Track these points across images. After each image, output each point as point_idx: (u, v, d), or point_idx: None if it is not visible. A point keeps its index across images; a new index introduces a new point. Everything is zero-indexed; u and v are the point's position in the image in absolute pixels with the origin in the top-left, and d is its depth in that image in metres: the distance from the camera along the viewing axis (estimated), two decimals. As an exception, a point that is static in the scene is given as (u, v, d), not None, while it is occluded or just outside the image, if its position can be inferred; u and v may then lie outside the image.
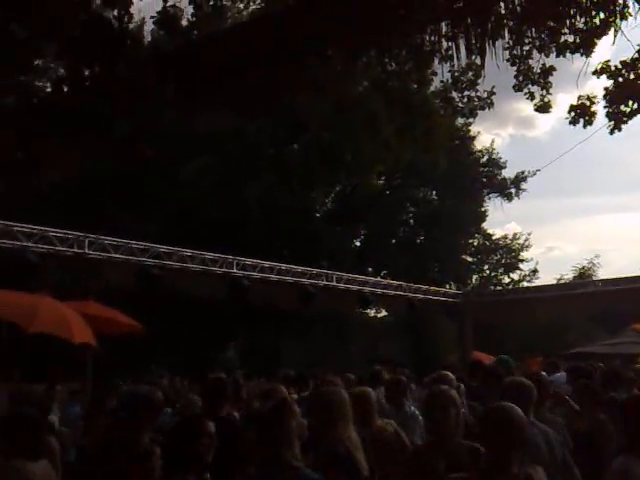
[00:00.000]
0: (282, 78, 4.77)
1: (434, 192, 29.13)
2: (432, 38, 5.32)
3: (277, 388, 5.55)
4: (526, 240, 30.93)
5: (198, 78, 4.17)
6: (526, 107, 62.97)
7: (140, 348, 19.88)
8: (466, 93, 8.11)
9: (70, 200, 18.58)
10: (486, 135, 78.10)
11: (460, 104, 8.20)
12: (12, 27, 2.44)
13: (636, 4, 5.20)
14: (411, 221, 30.18)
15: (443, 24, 4.77)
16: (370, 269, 27.81)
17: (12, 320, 10.19)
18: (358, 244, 28.50)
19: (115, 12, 2.32)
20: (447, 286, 24.94)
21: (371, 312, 26.95)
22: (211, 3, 5.73)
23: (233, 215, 12.07)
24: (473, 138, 28.62)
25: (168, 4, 2.77)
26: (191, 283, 12.20)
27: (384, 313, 27.87)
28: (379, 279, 18.11)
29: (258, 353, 19.88)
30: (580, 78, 6.61)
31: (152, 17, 3.22)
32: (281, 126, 7.72)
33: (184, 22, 6.00)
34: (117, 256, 10.85)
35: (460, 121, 22.84)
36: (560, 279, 29.52)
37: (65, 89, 2.42)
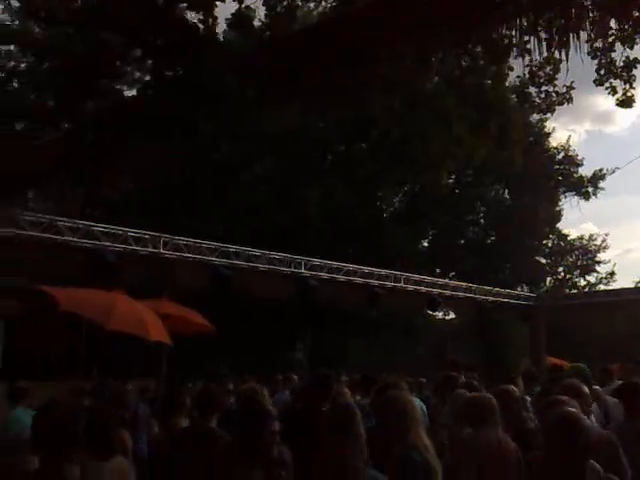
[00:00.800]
0: (354, 75, 4.71)
1: (506, 190, 28.33)
2: (510, 32, 5.14)
3: (342, 391, 5.51)
4: (603, 241, 29.70)
5: (274, 78, 4.18)
6: (604, 102, 60.22)
7: (209, 347, 20.33)
8: (544, 88, 7.79)
9: (143, 201, 19.18)
10: (562, 131, 75.29)
11: (537, 100, 7.90)
12: (102, 35, 2.50)
13: None
14: (482, 221, 29.49)
15: (524, 17, 4.59)
16: (438, 270, 27.36)
17: (91, 317, 10.60)
18: (426, 244, 28.10)
19: (200, 15, 2.32)
20: (519, 288, 24.19)
21: (439, 314, 26.48)
22: (284, 4, 5.75)
23: (298, 215, 12.11)
24: (548, 134, 27.70)
25: (242, 5, 2.76)
26: (259, 283, 12.32)
27: (452, 315, 27.33)
28: (448, 281, 17.75)
29: (325, 354, 19.87)
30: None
31: (226, 19, 3.22)
32: (349, 124, 7.67)
33: (256, 23, 6.05)
34: (189, 256, 11.08)
35: (535, 117, 22.17)
36: (639, 282, 28.17)
37: (149, 92, 2.45)
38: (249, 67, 3.63)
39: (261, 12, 6.73)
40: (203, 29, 2.20)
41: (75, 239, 9.43)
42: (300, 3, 6.27)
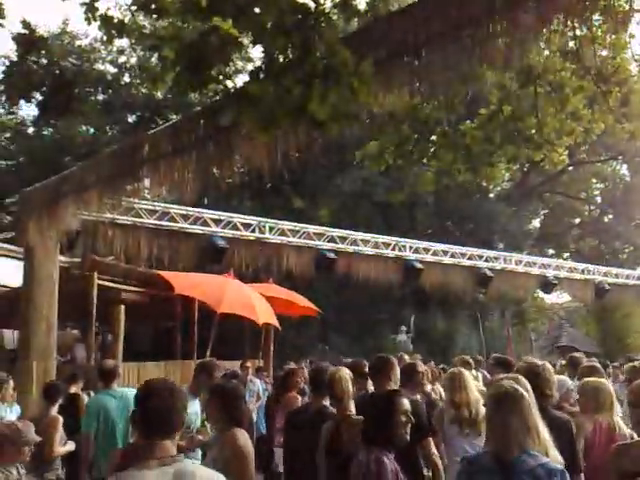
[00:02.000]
0: (469, 51, 4.46)
1: (624, 166, 26.52)
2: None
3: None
4: None
5: (389, 55, 4.04)
6: None
7: (314, 329, 20.64)
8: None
9: (249, 185, 19.65)
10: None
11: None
12: (218, 23, 2.48)
13: None
14: (598, 199, 27.83)
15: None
16: (551, 251, 26.17)
17: (204, 301, 11.01)
18: (537, 225, 26.94)
19: (309, -6, 2.23)
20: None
21: (552, 297, 25.34)
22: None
23: (404, 197, 11.87)
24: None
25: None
26: (364, 266, 12.24)
27: (565, 298, 26.06)
28: (562, 261, 16.84)
29: (430, 337, 19.60)
30: None
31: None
32: (458, 102, 7.37)
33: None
34: (295, 240, 11.17)
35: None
36: None
37: (260, 77, 2.40)
38: (363, 44, 3.51)
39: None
40: (315, 8, 2.12)
41: (187, 225, 9.75)
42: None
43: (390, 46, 4.34)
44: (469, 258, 12.88)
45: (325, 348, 19.71)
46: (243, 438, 3.63)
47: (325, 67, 2.25)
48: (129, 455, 4.26)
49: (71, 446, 5.84)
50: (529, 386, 3.38)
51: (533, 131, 8.56)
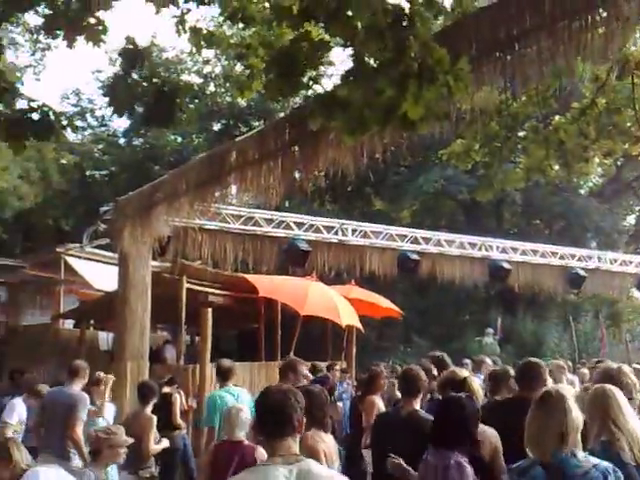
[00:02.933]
0: (562, 42, 4.26)
1: None
2: None
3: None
4: None
5: (484, 50, 3.92)
6: None
7: (396, 331, 20.44)
8: None
9: (330, 188, 19.73)
10: None
11: None
12: (307, 28, 2.49)
13: None
14: None
15: None
16: (647, 249, 24.71)
17: (287, 303, 11.14)
18: (632, 221, 25.56)
19: (401, -4, 2.18)
20: None
21: (649, 297, 23.92)
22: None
23: (492, 194, 11.53)
24: None
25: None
26: (448, 267, 12.00)
27: (665, 299, 24.53)
28: (662, 260, 15.85)
29: (518, 339, 18.95)
30: None
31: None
32: (550, 96, 7.06)
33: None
34: (377, 242, 11.10)
35: None
36: None
37: (350, 80, 2.37)
38: (453, 41, 3.41)
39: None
40: (409, 7, 2.06)
41: (271, 229, 9.88)
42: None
43: (481, 42, 4.21)
44: (560, 257, 12.37)
45: (407, 350, 19.46)
46: (313, 439, 3.66)
47: (420, 67, 2.19)
48: (220, 452, 4.38)
49: (165, 443, 6.04)
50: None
51: (629, 124, 8.10)
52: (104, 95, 25.22)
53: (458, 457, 3.25)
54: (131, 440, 4.36)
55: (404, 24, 2.18)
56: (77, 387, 6.00)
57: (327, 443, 3.73)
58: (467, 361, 12.46)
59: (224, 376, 5.88)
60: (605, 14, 4.10)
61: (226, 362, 6.18)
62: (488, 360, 9.97)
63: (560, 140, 6.71)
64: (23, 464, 3.34)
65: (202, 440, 5.95)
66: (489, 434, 3.83)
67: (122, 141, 27.44)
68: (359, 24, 2.27)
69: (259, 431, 2.53)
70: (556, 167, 7.37)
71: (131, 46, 2.75)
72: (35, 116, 3.18)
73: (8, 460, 3.31)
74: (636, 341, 22.91)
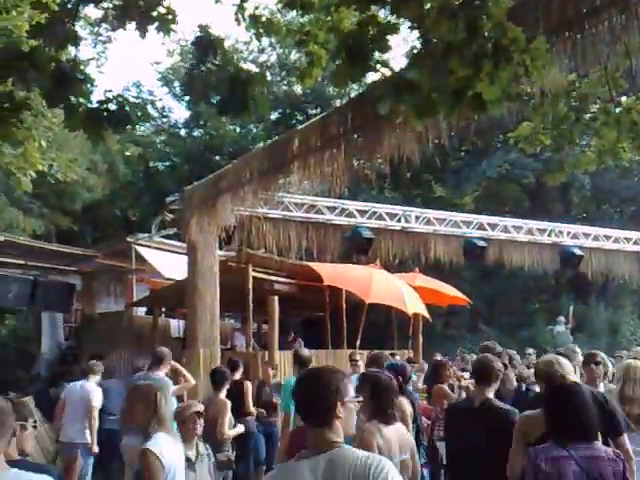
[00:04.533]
0: (634, 18, 4.07)
1: None
2: None
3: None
4: None
5: (546, 32, 3.80)
6: None
7: (463, 320, 20.15)
8: None
9: (390, 175, 19.57)
10: None
11: None
12: (370, 9, 2.48)
13: None
14: None
15: None
16: None
17: (352, 291, 11.14)
18: None
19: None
20: None
21: None
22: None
23: (564, 177, 11.17)
24: None
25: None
26: (517, 254, 11.73)
27: None
28: None
29: (592, 328, 18.34)
30: None
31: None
32: (621, 76, 6.73)
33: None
34: (442, 228, 10.96)
35: None
36: None
37: (418, 62, 2.35)
38: (522, 20, 3.31)
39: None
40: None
41: (334, 217, 9.91)
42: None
43: (549, 21, 4.08)
44: (635, 243, 11.88)
45: (475, 339, 19.17)
46: (369, 432, 3.56)
47: (494, 46, 2.14)
48: (296, 439, 4.43)
49: (240, 429, 6.18)
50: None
51: None
52: (181, 86, 25.73)
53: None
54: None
55: (477, 3, 2.14)
56: (162, 373, 6.22)
57: (386, 437, 3.62)
58: (530, 351, 12.17)
59: (302, 364, 6.06)
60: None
61: (305, 351, 6.46)
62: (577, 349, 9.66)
63: (633, 121, 6.41)
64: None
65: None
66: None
67: (183, 132, 28.08)
68: (429, 4, 2.24)
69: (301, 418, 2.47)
70: (629, 149, 7.05)
71: (204, 35, 2.81)
72: (112, 106, 3.29)
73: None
74: None
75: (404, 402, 4.76)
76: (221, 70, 2.69)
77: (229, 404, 6.05)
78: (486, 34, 2.19)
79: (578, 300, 18.84)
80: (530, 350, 12.63)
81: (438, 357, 10.57)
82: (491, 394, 4.30)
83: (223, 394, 6.19)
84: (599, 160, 7.20)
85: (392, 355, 10.64)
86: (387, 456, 3.54)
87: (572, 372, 4.10)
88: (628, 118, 6.90)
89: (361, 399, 2.76)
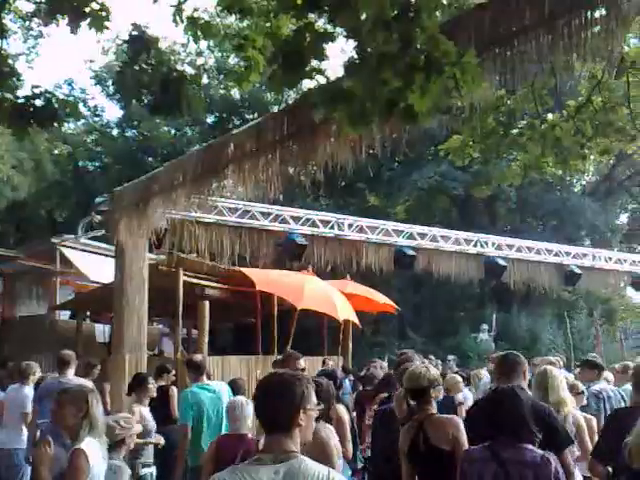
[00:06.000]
0: (561, 39, 4.29)
1: None
2: None
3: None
4: None
5: (476, 48, 3.94)
6: None
7: (391, 327, 20.52)
8: None
9: (324, 183, 19.74)
10: None
11: None
12: (310, 17, 2.51)
13: None
14: (693, 192, 26.23)
15: None
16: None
17: (284, 297, 11.16)
18: (625, 220, 25.72)
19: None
20: None
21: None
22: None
23: (490, 190, 11.61)
24: None
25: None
26: (444, 263, 12.04)
27: (657, 297, 24.70)
28: (655, 259, 15.95)
29: (513, 336, 19.07)
30: None
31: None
32: (547, 93, 7.09)
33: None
34: (374, 237, 11.12)
35: None
36: None
37: (352, 71, 2.39)
38: (453, 36, 3.43)
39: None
40: (415, 0, 2.09)
41: (267, 223, 9.89)
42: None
43: (480, 37, 4.23)
44: (556, 255, 12.43)
45: (402, 346, 19.55)
46: (326, 432, 3.68)
47: (427, 59, 2.21)
48: (223, 446, 4.39)
49: (159, 440, 5.97)
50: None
51: (625, 122, 8.15)
52: (113, 84, 25.08)
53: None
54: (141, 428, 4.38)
55: (411, 15, 2.21)
56: (71, 376, 6.03)
57: (335, 437, 3.74)
58: (451, 357, 12.50)
59: (197, 371, 5.79)
60: (604, 12, 4.14)
61: (197, 357, 6.13)
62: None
63: (556, 137, 6.75)
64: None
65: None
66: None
67: (115, 132, 27.38)
68: (364, 15, 2.29)
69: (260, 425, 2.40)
70: (553, 164, 7.41)
71: (138, 33, 2.75)
72: (38, 102, 3.17)
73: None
74: (630, 339, 23.09)
75: (341, 408, 4.81)
76: (154, 69, 2.64)
77: (142, 412, 5.89)
78: (419, 46, 2.25)
79: (501, 309, 19.55)
80: (450, 357, 12.99)
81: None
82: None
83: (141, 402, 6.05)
84: (524, 174, 7.52)
85: (324, 362, 10.74)
86: (338, 456, 3.65)
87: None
88: (552, 134, 7.25)
89: (322, 407, 2.69)
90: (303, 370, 5.28)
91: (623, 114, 8.06)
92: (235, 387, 5.97)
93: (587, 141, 7.18)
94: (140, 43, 2.63)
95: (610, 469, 3.83)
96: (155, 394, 6.27)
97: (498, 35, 4.25)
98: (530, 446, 3.14)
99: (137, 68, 2.64)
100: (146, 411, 6.01)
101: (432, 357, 13.44)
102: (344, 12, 2.29)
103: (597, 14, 4.15)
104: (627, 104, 7.86)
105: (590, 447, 4.44)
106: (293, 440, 2.25)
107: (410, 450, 3.80)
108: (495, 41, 4.28)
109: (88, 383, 5.52)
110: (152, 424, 5.95)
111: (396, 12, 2.23)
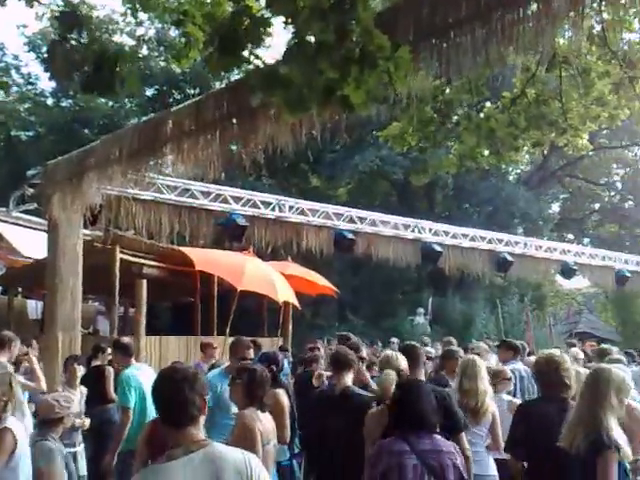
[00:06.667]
0: (495, 33, 4.44)
1: (648, 152, 26.15)
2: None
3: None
4: None
5: (414, 38, 4.04)
6: None
7: (331, 309, 20.76)
8: None
9: (267, 163, 19.67)
10: None
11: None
12: (249, 3, 2.51)
13: None
14: (618, 184, 27.49)
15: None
16: (570, 236, 25.96)
17: (224, 277, 11.13)
18: (557, 209, 26.75)
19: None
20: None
21: (571, 282, 25.19)
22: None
23: (427, 178, 11.86)
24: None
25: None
26: (382, 247, 12.26)
27: (584, 284, 25.92)
28: (583, 247, 16.74)
29: (448, 320, 19.63)
30: None
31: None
32: (483, 85, 7.30)
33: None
34: (314, 219, 11.20)
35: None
36: None
37: (291, 58, 2.42)
38: (391, 25, 3.50)
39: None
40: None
41: (207, 202, 9.81)
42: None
43: (418, 28, 4.33)
44: (489, 242, 12.83)
45: (342, 328, 19.83)
46: (250, 417, 3.73)
47: (361, 52, 2.26)
48: (158, 429, 4.39)
49: (84, 422, 5.86)
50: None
51: (557, 116, 8.48)
52: (43, 62, 24.11)
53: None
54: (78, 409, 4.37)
55: (346, 7, 2.25)
56: (3, 359, 5.85)
57: (263, 422, 3.78)
58: (395, 340, 12.78)
59: (125, 353, 5.69)
60: (536, 8, 4.30)
61: (125, 338, 6.08)
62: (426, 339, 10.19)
63: (491, 128, 6.97)
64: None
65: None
66: None
67: (50, 102, 26.32)
68: (302, 3, 2.32)
69: (162, 419, 2.36)
70: (487, 154, 7.66)
71: (69, 9, 2.67)
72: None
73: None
74: (559, 325, 24.16)
75: (280, 393, 4.83)
76: (86, 48, 2.59)
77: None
78: (354, 39, 2.30)
79: (437, 293, 20.05)
80: (394, 339, 13.27)
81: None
82: (349, 381, 4.53)
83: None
84: (460, 163, 7.74)
85: (254, 342, 10.77)
86: (266, 441, 3.70)
87: (407, 368, 4.42)
88: (487, 125, 7.48)
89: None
90: (251, 360, 5.21)
91: (555, 107, 8.39)
92: None
93: (520, 133, 7.45)
94: (71, 19, 2.56)
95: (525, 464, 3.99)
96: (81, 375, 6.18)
97: (435, 26, 4.35)
98: (439, 436, 3.29)
99: (68, 46, 2.58)
100: (75, 393, 5.91)
101: (379, 343, 13.69)
102: (280, -1, 2.32)
103: (529, 11, 4.31)
104: (559, 98, 8.17)
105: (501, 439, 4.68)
106: (200, 429, 2.27)
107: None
108: (432, 32, 4.38)
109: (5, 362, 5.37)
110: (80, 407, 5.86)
111: (332, 2, 2.27)
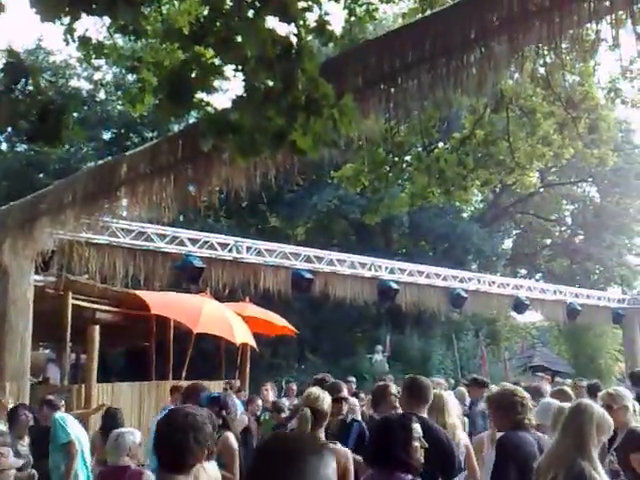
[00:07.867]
0: (444, 77, 4.63)
1: (594, 189, 27.16)
2: (598, 27, 4.89)
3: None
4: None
5: (366, 83, 4.17)
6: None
7: (290, 349, 20.62)
8: (636, 83, 7.39)
9: (225, 203, 19.68)
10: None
11: (627, 95, 7.51)
12: (199, 51, 2.58)
13: None
14: (568, 220, 28.41)
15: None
16: (523, 271, 26.57)
17: (180, 320, 10.97)
18: (510, 245, 27.40)
19: (292, 26, 2.33)
20: (610, 290, 23.13)
21: (524, 316, 25.70)
22: (364, 8, 5.71)
23: (379, 218, 12.10)
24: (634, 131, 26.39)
25: (322, 12, 2.73)
26: (340, 286, 12.33)
27: (538, 318, 26.46)
28: (534, 282, 17.16)
29: (406, 357, 19.70)
30: None
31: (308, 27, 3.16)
32: (432, 126, 7.57)
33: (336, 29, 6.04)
34: (272, 260, 11.22)
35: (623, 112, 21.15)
36: None
37: (241, 105, 2.48)
38: (340, 71, 3.62)
39: (341, 17, 6.75)
40: (296, 40, 2.20)
41: (163, 245, 9.74)
42: (379, 6, 6.22)
43: (366, 73, 4.48)
44: (444, 279, 13.04)
45: (301, 367, 19.67)
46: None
47: (307, 99, 2.35)
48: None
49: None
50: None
51: (505, 155, 8.81)
52: None
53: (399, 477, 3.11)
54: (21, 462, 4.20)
55: (292, 57, 2.34)
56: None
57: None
58: (352, 379, 12.76)
59: (52, 408, 6.03)
60: (479, 54, 4.51)
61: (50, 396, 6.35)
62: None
63: (441, 169, 7.19)
64: None
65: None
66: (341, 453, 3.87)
67: (4, 147, 25.90)
68: (249, 52, 2.40)
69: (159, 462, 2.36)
70: (438, 193, 7.88)
71: (14, 60, 2.68)
72: None
73: None
74: (513, 359, 24.48)
75: (230, 437, 4.73)
76: (32, 99, 2.59)
77: None
78: (300, 87, 2.39)
79: (395, 330, 20.15)
80: (352, 378, 13.25)
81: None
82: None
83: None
84: (411, 203, 7.93)
85: (229, 385, 10.57)
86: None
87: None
88: (437, 166, 7.71)
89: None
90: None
91: (503, 147, 8.72)
92: (110, 417, 5.99)
93: (469, 173, 7.69)
94: (17, 70, 2.57)
95: None
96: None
97: (383, 72, 4.51)
98: (403, 474, 3.15)
99: (13, 97, 2.59)
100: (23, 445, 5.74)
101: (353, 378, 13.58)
102: (229, 48, 2.40)
103: (473, 56, 4.52)
104: (507, 138, 8.50)
105: (477, 470, 4.68)
106: (189, 476, 2.28)
107: None
108: (380, 77, 4.54)
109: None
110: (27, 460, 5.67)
111: (278, 52, 2.36)
